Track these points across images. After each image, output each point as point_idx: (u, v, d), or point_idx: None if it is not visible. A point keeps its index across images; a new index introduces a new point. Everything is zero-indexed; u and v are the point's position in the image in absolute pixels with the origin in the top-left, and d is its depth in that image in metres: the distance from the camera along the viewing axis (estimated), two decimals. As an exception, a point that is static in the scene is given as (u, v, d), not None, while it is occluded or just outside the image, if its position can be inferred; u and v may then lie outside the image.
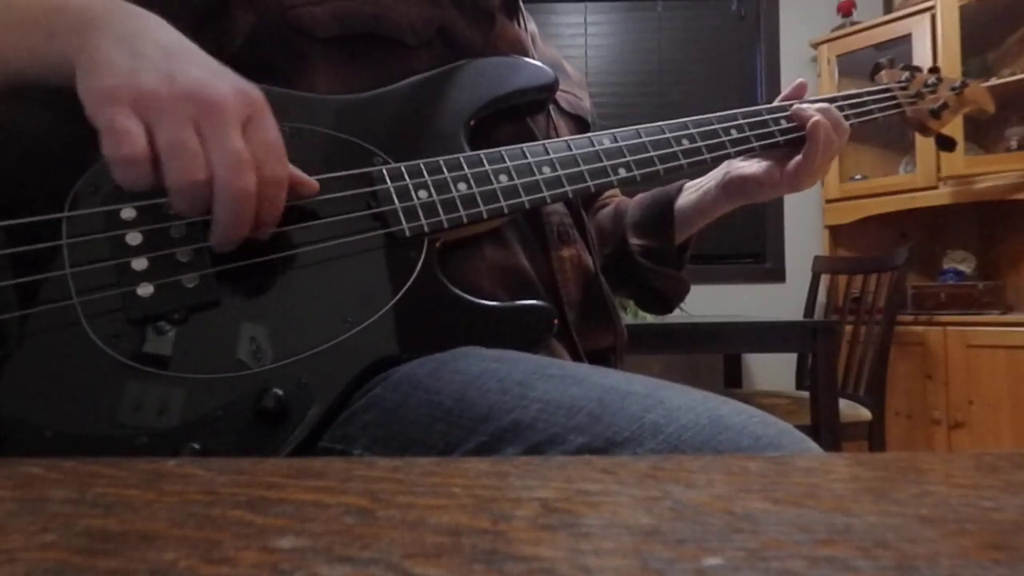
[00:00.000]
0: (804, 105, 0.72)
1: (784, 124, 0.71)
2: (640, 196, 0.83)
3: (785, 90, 0.77)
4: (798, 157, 0.70)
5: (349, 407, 0.47)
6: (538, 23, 0.80)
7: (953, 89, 0.88)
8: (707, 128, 0.67)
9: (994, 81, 2.27)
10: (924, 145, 2.34)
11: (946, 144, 0.90)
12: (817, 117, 0.70)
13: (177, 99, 0.41)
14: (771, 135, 0.70)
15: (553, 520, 0.16)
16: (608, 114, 2.71)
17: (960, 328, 2.24)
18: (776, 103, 0.75)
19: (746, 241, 2.79)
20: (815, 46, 2.69)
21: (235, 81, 0.44)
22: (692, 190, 0.80)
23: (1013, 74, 2.26)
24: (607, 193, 0.87)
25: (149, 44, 0.43)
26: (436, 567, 0.13)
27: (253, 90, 0.45)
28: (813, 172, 0.71)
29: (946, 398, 2.24)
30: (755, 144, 0.69)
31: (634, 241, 0.80)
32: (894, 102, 0.83)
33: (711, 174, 0.79)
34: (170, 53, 0.44)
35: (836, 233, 2.66)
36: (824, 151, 0.70)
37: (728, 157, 0.68)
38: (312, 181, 0.48)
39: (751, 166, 0.75)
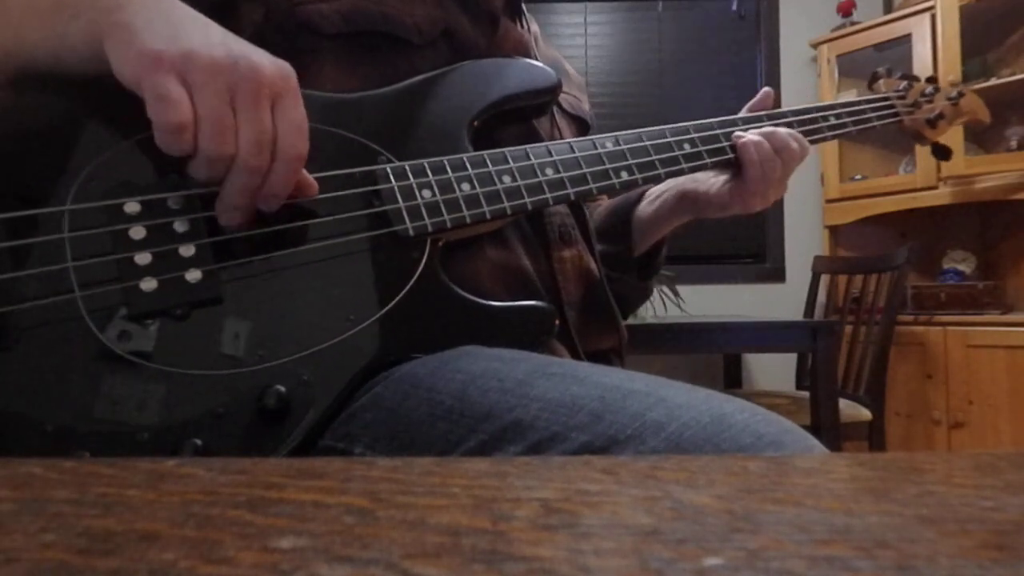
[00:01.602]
0: (743, 131, 0.68)
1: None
2: (609, 201, 0.82)
3: (754, 99, 0.75)
4: (738, 179, 0.68)
5: (350, 406, 0.47)
6: (538, 23, 0.80)
7: (950, 99, 0.89)
8: (709, 133, 0.67)
9: (994, 81, 2.27)
10: (924, 145, 2.34)
11: (942, 153, 0.91)
12: (746, 139, 0.67)
13: (220, 66, 0.42)
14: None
15: (553, 520, 0.16)
16: (608, 114, 2.71)
17: (960, 328, 2.23)
18: (742, 113, 0.72)
19: (746, 241, 2.79)
20: (815, 46, 2.68)
21: (270, 56, 0.45)
22: (651, 199, 0.78)
23: (1013, 74, 2.26)
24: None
25: (183, 17, 0.44)
26: (436, 567, 0.13)
27: (287, 66, 0.45)
28: (756, 194, 0.68)
29: (946, 398, 2.24)
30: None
31: (597, 246, 0.79)
32: (892, 111, 0.83)
33: (670, 181, 0.75)
34: (205, 26, 0.44)
35: (836, 233, 2.66)
36: (765, 173, 0.67)
37: (729, 163, 0.68)
38: (312, 181, 0.48)
39: (705, 182, 0.72)
